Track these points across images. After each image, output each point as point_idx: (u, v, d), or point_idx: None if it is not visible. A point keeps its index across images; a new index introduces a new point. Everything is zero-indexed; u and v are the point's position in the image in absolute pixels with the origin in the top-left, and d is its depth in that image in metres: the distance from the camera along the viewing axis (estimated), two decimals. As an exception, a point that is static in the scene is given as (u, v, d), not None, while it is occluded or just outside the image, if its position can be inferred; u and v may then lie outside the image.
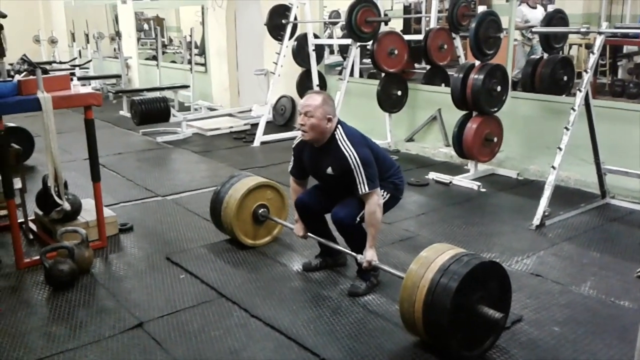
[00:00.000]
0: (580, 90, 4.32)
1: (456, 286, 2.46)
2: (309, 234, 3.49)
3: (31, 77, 3.53)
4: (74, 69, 11.60)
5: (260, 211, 3.84)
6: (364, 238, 3.14)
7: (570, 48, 8.42)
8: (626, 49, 8.27)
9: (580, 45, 8.60)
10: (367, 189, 3.02)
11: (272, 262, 3.69)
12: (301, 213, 3.45)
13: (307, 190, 3.49)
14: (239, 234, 3.81)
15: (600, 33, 4.30)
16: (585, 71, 4.35)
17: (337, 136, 3.10)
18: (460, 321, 2.51)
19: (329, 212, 3.29)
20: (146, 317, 3.01)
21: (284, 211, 3.98)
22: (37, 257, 3.51)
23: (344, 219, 3.14)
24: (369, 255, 3.11)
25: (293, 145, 3.41)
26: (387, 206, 3.26)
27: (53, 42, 13.24)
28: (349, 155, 3.03)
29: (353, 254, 3.20)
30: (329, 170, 3.16)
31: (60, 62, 12.37)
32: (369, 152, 3.10)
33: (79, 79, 10.21)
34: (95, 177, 3.79)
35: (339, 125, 3.14)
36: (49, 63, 11.83)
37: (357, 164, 3.02)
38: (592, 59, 4.33)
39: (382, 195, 3.18)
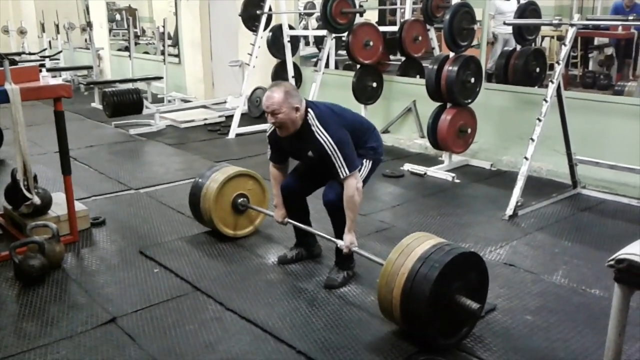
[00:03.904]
0: (552, 82, 4.37)
1: (437, 274, 2.46)
2: (288, 219, 3.47)
3: (-2, 68, 3.44)
4: (44, 60, 11.37)
5: (239, 200, 3.81)
6: None
7: (542, 40, 8.51)
8: (597, 40, 8.38)
9: (552, 37, 8.69)
10: (347, 172, 3.00)
11: (247, 255, 3.67)
12: (286, 197, 3.42)
13: (291, 175, 3.45)
14: (218, 224, 3.78)
15: (572, 25, 4.35)
16: (557, 63, 4.41)
17: (309, 121, 3.05)
18: (438, 309, 2.52)
19: (309, 194, 3.36)
20: (119, 312, 2.97)
21: (264, 203, 3.95)
22: (7, 253, 3.43)
23: (335, 200, 3.12)
24: (348, 239, 3.10)
25: (267, 134, 3.37)
26: (372, 170, 3.26)
27: (22, 32, 12.95)
28: (324, 141, 3.00)
29: (333, 239, 3.19)
30: (310, 153, 3.13)
31: (30, 53, 12.11)
32: (343, 131, 3.06)
33: (49, 70, 10.01)
34: (66, 170, 3.72)
35: (309, 110, 3.07)
36: (18, 54, 11.58)
37: (334, 149, 2.98)
38: (564, 50, 4.38)
39: (365, 164, 3.19)
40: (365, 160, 3.22)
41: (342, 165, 3.00)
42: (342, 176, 3.02)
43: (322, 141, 3.01)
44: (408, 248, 2.65)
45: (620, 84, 6.46)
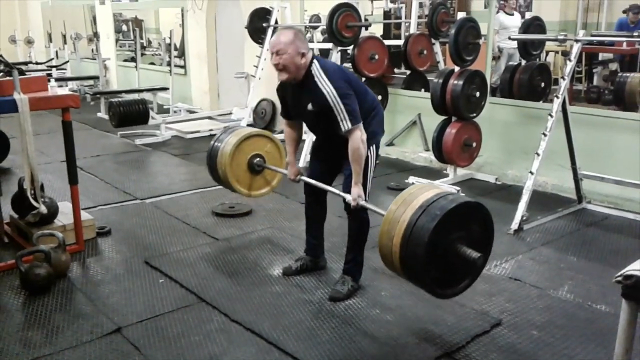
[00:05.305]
0: (557, 97, 4.39)
1: (437, 221, 2.41)
2: (301, 177, 3.45)
3: (7, 78, 3.47)
4: (50, 70, 11.44)
5: (255, 160, 3.80)
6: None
7: (547, 55, 8.54)
8: (601, 56, 8.41)
9: (557, 52, 8.73)
10: (350, 124, 2.94)
11: (252, 267, 3.68)
12: (309, 193, 3.47)
13: (313, 170, 3.45)
14: (233, 182, 3.75)
15: (577, 41, 4.38)
16: (563, 78, 4.42)
17: (313, 71, 2.99)
18: (436, 257, 2.47)
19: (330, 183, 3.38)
20: (124, 322, 2.97)
21: (281, 166, 3.91)
22: (13, 261, 3.44)
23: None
24: (355, 192, 3.03)
25: (276, 88, 3.33)
26: (377, 156, 3.22)
27: (29, 42, 13.04)
28: (326, 91, 2.93)
29: (341, 193, 3.13)
30: (310, 106, 3.06)
31: (37, 63, 12.19)
32: (346, 85, 3.00)
33: (56, 80, 10.08)
34: (73, 179, 3.74)
35: (314, 60, 3.03)
36: (25, 63, 11.65)
37: (336, 100, 2.92)
38: (569, 66, 4.40)
39: (370, 155, 3.12)
40: (370, 148, 3.13)
41: (345, 117, 2.93)
42: (344, 129, 2.95)
43: (324, 91, 2.94)
44: (411, 196, 2.60)
45: (622, 74, 6.33)
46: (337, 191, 3.20)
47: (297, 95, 3.14)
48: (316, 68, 3.00)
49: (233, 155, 3.70)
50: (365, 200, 3.13)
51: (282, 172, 3.74)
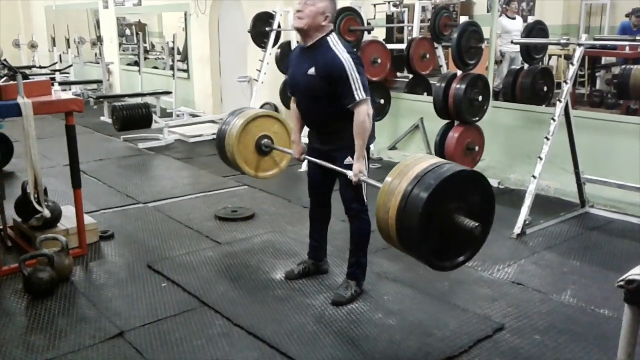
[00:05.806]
0: (560, 101, 4.39)
1: (431, 191, 2.38)
2: (306, 156, 3.42)
3: (11, 82, 3.48)
4: (54, 74, 11.49)
5: (263, 141, 3.76)
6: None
7: (549, 59, 8.55)
8: (604, 60, 8.42)
9: (559, 56, 8.73)
10: (363, 94, 2.92)
11: (254, 271, 3.68)
12: (313, 195, 3.48)
13: (312, 173, 3.44)
14: (240, 162, 3.72)
15: (579, 45, 4.38)
16: (565, 82, 4.42)
17: (329, 40, 2.99)
18: (432, 228, 2.43)
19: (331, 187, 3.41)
20: (127, 326, 2.98)
21: (289, 147, 3.84)
22: (16, 265, 3.45)
23: (352, 207, 3.19)
24: (357, 167, 3.01)
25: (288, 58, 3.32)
26: (368, 159, 3.16)
27: (33, 46, 13.10)
28: (344, 58, 2.92)
29: (342, 170, 3.10)
30: (311, 70, 3.01)
31: (41, 67, 12.24)
32: (359, 60, 3.02)
33: (60, 84, 10.11)
34: (76, 183, 3.75)
35: (333, 33, 3.05)
36: (29, 67, 11.70)
37: (352, 68, 2.91)
38: (572, 70, 4.40)
39: (364, 159, 3.07)
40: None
41: (359, 87, 2.91)
42: (357, 99, 2.92)
43: (342, 58, 2.92)
44: (407, 167, 2.57)
45: (626, 66, 6.28)
46: (338, 168, 3.16)
47: (301, 61, 3.12)
48: (334, 38, 3.02)
49: (240, 136, 3.67)
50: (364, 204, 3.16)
51: (288, 152, 3.73)
